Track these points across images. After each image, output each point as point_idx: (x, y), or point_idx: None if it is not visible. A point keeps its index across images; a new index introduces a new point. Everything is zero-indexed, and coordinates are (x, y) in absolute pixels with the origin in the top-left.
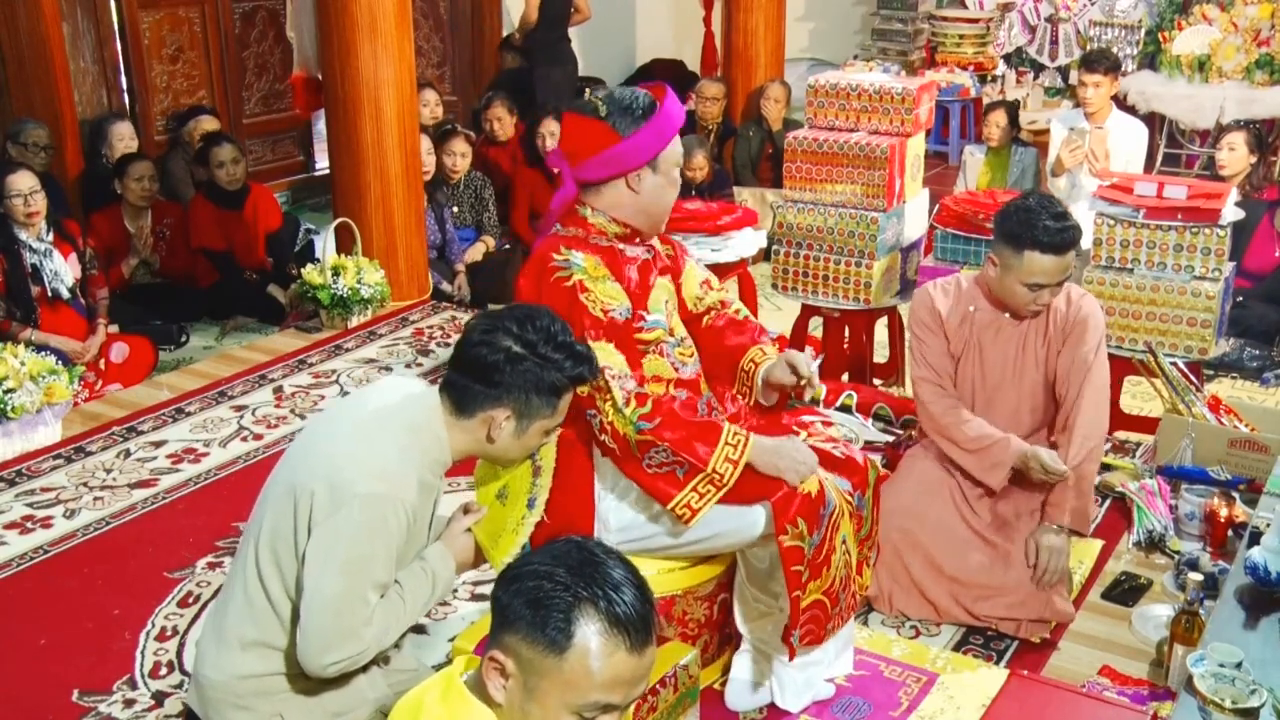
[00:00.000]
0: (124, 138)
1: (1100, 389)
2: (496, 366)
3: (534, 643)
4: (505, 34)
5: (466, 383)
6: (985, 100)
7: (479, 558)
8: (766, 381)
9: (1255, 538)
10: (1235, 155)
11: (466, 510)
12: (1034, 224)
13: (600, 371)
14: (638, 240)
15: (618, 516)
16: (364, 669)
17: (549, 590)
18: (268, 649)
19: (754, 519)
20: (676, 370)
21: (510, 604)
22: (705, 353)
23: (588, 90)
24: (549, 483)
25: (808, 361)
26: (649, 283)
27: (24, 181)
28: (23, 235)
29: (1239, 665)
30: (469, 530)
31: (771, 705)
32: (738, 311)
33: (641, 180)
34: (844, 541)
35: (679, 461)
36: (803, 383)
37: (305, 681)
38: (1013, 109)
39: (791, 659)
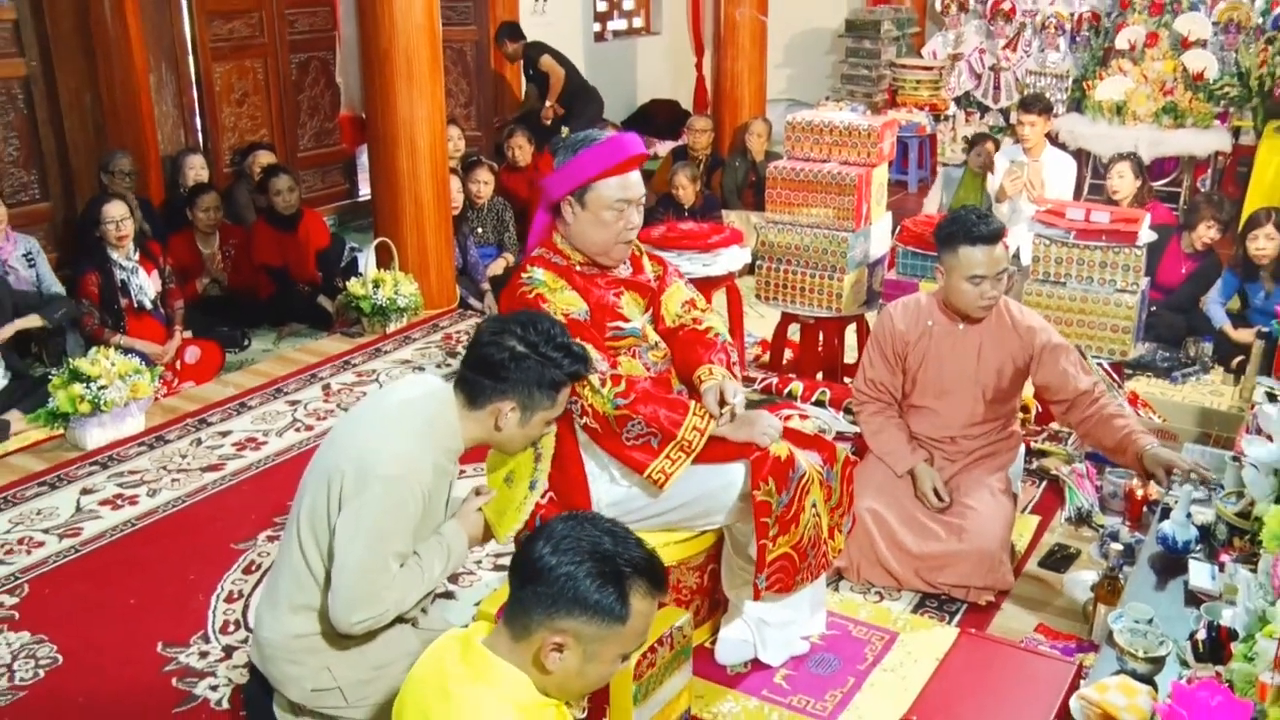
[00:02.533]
0: (195, 167)
1: (1090, 371)
2: (503, 364)
3: (599, 622)
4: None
5: (477, 378)
6: (948, 133)
7: (488, 533)
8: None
9: (1165, 513)
10: (1125, 181)
11: (478, 492)
12: (963, 223)
13: None
14: (602, 269)
15: (610, 494)
16: (397, 627)
17: (594, 578)
18: (312, 611)
19: (730, 480)
20: (649, 370)
21: (562, 594)
22: (675, 364)
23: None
24: (548, 467)
25: (735, 391)
26: (611, 298)
27: (116, 210)
28: (114, 255)
29: (1150, 621)
30: (480, 510)
31: (755, 660)
32: (704, 325)
33: (573, 211)
34: (814, 505)
35: (653, 432)
36: (724, 410)
37: (347, 639)
38: (998, 142)
39: (756, 599)
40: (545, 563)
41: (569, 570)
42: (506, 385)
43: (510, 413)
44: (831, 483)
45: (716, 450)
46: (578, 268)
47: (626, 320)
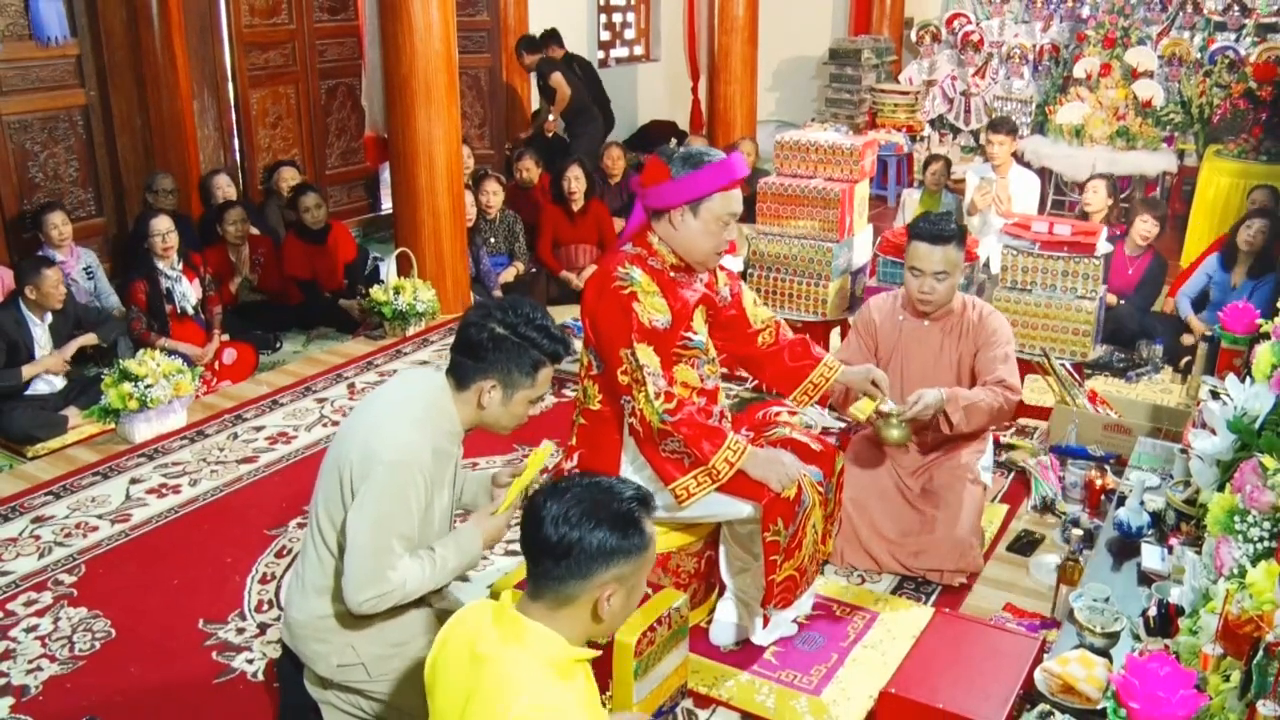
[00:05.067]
0: (223, 186)
1: (1009, 380)
2: (483, 344)
3: (631, 559)
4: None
5: (462, 360)
6: (924, 154)
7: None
8: (846, 386)
9: (1121, 501)
10: (1097, 196)
11: (498, 482)
12: (920, 220)
13: (641, 368)
14: (689, 272)
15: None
16: (416, 608)
17: (616, 528)
18: (334, 593)
19: (739, 508)
20: (702, 381)
21: (599, 555)
22: (767, 364)
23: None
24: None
25: (885, 380)
26: (693, 310)
27: (162, 224)
28: (160, 265)
29: (1107, 600)
30: (500, 515)
31: (747, 640)
32: (797, 334)
33: (683, 219)
34: (814, 527)
35: (687, 453)
36: (879, 401)
37: (367, 619)
38: (948, 161)
39: (766, 625)
40: (569, 538)
41: (591, 536)
42: (486, 365)
43: (491, 391)
44: (829, 495)
45: (734, 482)
46: (671, 273)
47: (696, 333)
